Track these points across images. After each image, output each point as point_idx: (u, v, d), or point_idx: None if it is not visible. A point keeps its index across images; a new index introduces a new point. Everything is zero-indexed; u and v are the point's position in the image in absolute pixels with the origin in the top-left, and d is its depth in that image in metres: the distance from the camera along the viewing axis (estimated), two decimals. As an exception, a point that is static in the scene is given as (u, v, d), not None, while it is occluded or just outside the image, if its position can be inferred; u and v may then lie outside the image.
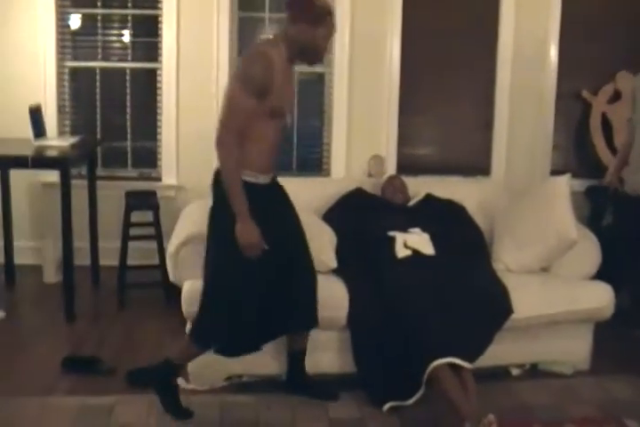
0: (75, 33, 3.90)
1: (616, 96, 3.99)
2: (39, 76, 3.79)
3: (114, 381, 2.51)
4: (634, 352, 2.88)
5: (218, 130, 2.05)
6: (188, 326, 2.34)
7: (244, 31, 3.97)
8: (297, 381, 2.41)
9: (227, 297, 2.12)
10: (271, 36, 2.16)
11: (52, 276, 3.61)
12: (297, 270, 2.23)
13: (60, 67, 3.85)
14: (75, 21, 3.90)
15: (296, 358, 2.39)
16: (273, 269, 2.13)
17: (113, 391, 2.42)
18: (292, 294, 2.21)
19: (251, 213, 2.02)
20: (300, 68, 4.01)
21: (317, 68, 4.03)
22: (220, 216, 2.12)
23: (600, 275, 2.77)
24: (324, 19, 2.07)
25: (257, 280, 2.10)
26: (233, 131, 2.02)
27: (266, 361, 2.40)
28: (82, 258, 3.47)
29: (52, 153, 3.20)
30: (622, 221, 3.12)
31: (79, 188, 3.41)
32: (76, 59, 3.90)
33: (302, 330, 2.33)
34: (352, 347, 2.41)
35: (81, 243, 3.44)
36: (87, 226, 3.57)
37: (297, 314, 2.24)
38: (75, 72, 3.92)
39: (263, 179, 2.15)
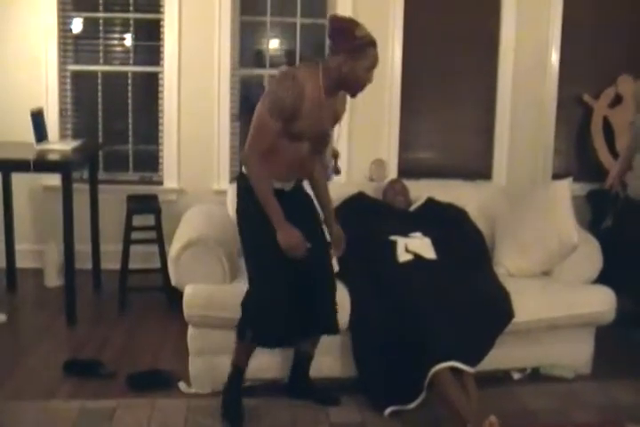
0: (77, 37, 3.90)
1: (617, 100, 3.99)
2: (41, 79, 3.80)
3: (115, 384, 2.51)
4: (636, 356, 2.87)
5: (246, 149, 2.10)
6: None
7: (245, 35, 3.98)
8: (300, 385, 2.41)
9: (258, 293, 2.18)
10: (312, 62, 2.14)
11: (53, 279, 3.61)
12: (317, 275, 2.24)
13: (61, 70, 3.85)
14: (77, 25, 3.91)
15: (302, 362, 2.39)
16: (292, 272, 2.15)
17: (114, 395, 2.42)
18: (312, 299, 2.22)
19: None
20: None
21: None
22: (245, 220, 2.19)
23: (601, 279, 2.76)
24: (365, 50, 2.03)
25: (282, 279, 2.14)
26: (259, 151, 2.06)
27: (267, 365, 2.40)
28: (83, 262, 3.47)
29: (53, 157, 3.20)
30: (624, 225, 3.11)
31: (81, 191, 3.41)
32: (77, 62, 3.90)
33: (321, 335, 2.34)
34: (353, 351, 2.41)
35: (82, 246, 3.44)
36: (89, 230, 3.57)
37: (317, 319, 2.25)
38: (76, 76, 3.92)
39: (283, 185, 2.17)
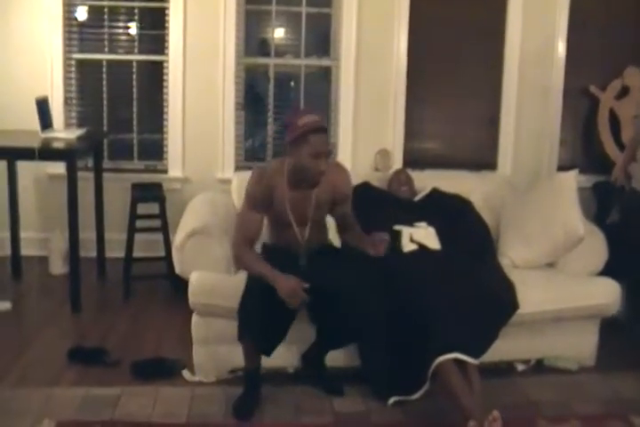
0: (81, 25, 3.86)
1: (624, 92, 3.94)
2: (46, 68, 3.77)
3: (119, 372, 2.50)
4: (640, 349, 2.86)
5: (230, 243, 2.33)
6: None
7: (250, 24, 3.93)
8: (312, 368, 2.41)
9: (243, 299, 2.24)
10: (282, 157, 2.30)
11: (58, 267, 3.60)
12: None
13: (66, 59, 3.82)
14: (81, 13, 3.87)
15: (320, 347, 2.38)
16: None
17: (118, 383, 2.41)
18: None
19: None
20: (307, 61, 3.99)
21: (323, 62, 3.99)
22: None
23: (606, 271, 2.73)
24: (306, 137, 2.08)
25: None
26: (240, 244, 2.23)
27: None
28: (88, 250, 3.46)
29: (58, 145, 3.18)
30: (629, 217, 3.07)
31: (85, 180, 3.39)
32: (82, 51, 3.86)
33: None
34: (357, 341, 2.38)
35: (87, 234, 3.43)
36: (93, 218, 3.56)
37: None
38: (81, 64, 3.88)
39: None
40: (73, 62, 3.85)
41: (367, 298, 2.30)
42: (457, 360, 2.19)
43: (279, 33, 4.04)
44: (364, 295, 2.29)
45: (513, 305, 2.46)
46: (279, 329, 2.23)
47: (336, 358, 2.42)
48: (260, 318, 2.14)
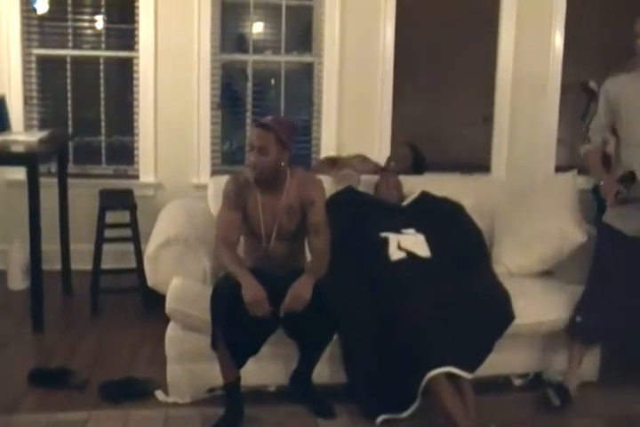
0: (42, 18, 3.87)
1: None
2: (2, 64, 3.76)
3: (86, 395, 2.49)
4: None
5: (213, 248, 2.44)
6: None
7: (227, 18, 3.97)
8: (299, 386, 2.44)
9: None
10: None
11: (18, 282, 3.58)
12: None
13: (25, 55, 3.82)
14: (42, 5, 3.87)
15: (305, 363, 2.42)
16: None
17: (85, 406, 2.41)
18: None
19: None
20: (287, 57, 4.03)
21: (305, 58, 4.04)
22: None
23: None
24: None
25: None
26: (220, 245, 2.36)
27: (250, 372, 2.40)
28: (51, 262, 3.46)
29: (17, 148, 3.18)
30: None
31: (49, 186, 3.39)
32: (43, 46, 3.87)
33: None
34: (343, 355, 2.41)
35: (50, 246, 3.42)
36: (57, 227, 3.55)
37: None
38: (43, 61, 3.89)
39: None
40: (33, 58, 3.86)
41: (353, 310, 2.34)
42: (450, 375, 2.23)
43: (258, 27, 4.09)
44: (349, 308, 2.33)
45: (508, 316, 2.50)
46: (251, 332, 2.26)
47: (321, 373, 2.45)
48: (228, 317, 2.20)
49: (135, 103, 3.89)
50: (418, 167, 3.54)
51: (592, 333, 2.51)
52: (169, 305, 2.40)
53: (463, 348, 2.31)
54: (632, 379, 2.70)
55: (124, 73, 3.93)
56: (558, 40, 4.02)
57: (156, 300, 2.52)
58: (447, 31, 3.99)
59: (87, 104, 3.97)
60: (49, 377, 2.58)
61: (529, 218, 2.85)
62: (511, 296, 2.55)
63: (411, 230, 2.72)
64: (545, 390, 2.50)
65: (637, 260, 2.45)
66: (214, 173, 3.90)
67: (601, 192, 2.45)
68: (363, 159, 3.55)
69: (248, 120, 4.03)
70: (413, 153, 3.57)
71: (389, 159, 3.56)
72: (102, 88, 3.93)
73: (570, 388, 2.53)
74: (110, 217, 3.34)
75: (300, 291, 2.24)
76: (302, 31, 4.08)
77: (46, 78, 3.93)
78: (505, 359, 2.54)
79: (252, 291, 2.20)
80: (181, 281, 2.45)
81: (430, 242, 2.66)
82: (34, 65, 3.87)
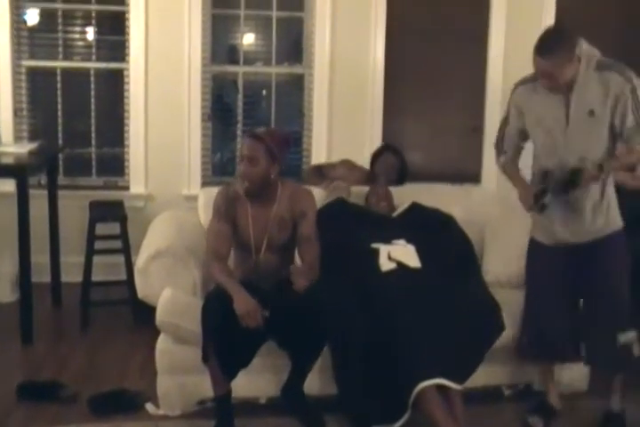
0: (32, 30, 3.90)
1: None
2: (-8, 76, 3.79)
3: (76, 408, 2.50)
4: (634, 372, 2.95)
5: (204, 259, 2.49)
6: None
7: (217, 29, 4.02)
8: (291, 397, 2.46)
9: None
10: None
11: (7, 294, 3.59)
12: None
13: (15, 66, 3.85)
14: (32, 17, 3.91)
15: (297, 374, 2.44)
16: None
17: (75, 420, 2.41)
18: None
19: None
20: (278, 69, 4.09)
21: (296, 69, 4.09)
22: None
23: None
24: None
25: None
26: (211, 257, 2.40)
27: (241, 383, 2.42)
28: (41, 274, 3.46)
29: (7, 160, 3.20)
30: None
31: (38, 198, 3.41)
32: (33, 58, 3.91)
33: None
34: (333, 367, 2.43)
35: (40, 258, 3.43)
36: (47, 239, 3.57)
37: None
38: (33, 72, 3.92)
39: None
40: (23, 70, 3.89)
41: (343, 321, 2.36)
42: (439, 386, 2.26)
43: (248, 39, 4.13)
44: (340, 318, 2.36)
45: (498, 326, 2.54)
46: (242, 344, 2.29)
47: (311, 385, 2.47)
48: (219, 330, 2.22)
49: (126, 115, 3.93)
50: (402, 174, 3.55)
51: (535, 350, 2.48)
52: (159, 317, 2.42)
53: (453, 359, 2.34)
54: (623, 387, 2.73)
55: (114, 84, 3.97)
56: (547, 52, 4.09)
57: (146, 312, 2.54)
58: (437, 43, 4.05)
59: (77, 116, 3.99)
60: (37, 390, 2.58)
61: (519, 228, 2.89)
62: (501, 307, 2.59)
63: (401, 241, 2.75)
64: (525, 418, 2.48)
65: (561, 269, 2.41)
66: (205, 184, 3.93)
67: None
68: (349, 167, 3.55)
69: (239, 132, 4.08)
70: (399, 160, 3.58)
71: (374, 173, 3.54)
72: (93, 99, 3.96)
73: (552, 402, 2.54)
74: (100, 229, 3.36)
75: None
76: (293, 43, 4.13)
77: (36, 90, 3.95)
78: (495, 370, 2.57)
79: (243, 303, 2.23)
80: (172, 293, 2.48)
81: (421, 253, 2.70)
82: (24, 76, 3.90)
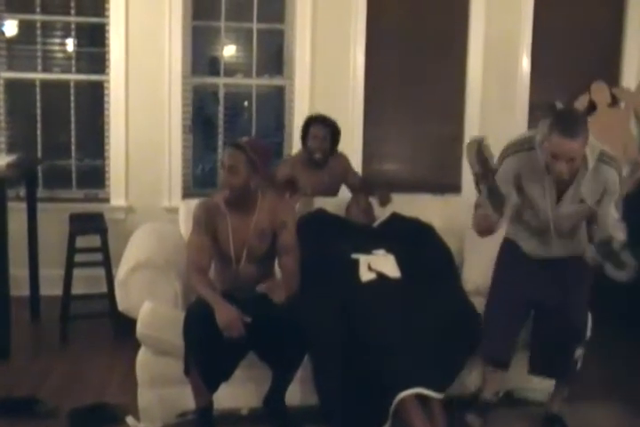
0: (10, 41, 3.92)
1: (591, 107, 4.19)
2: (-30, 88, 3.81)
3: (54, 423, 2.50)
4: (615, 378, 3.01)
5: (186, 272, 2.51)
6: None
7: (198, 41, 4.06)
8: (272, 407, 2.48)
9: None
10: None
11: (-15, 308, 3.58)
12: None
13: (-7, 78, 3.87)
14: (10, 28, 3.93)
15: (278, 384, 2.46)
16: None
17: (54, 435, 2.42)
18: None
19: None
20: (258, 81, 4.14)
21: (276, 81, 4.15)
22: None
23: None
24: None
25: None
26: (191, 269, 2.43)
27: (223, 394, 2.44)
28: (20, 288, 3.46)
29: (-15, 173, 3.21)
30: None
31: (17, 211, 3.42)
32: (12, 69, 3.92)
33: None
34: (314, 377, 2.46)
35: (19, 271, 3.44)
36: (26, 252, 3.57)
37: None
38: (11, 84, 3.94)
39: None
40: (1, 82, 3.91)
41: (323, 331, 2.40)
42: (420, 395, 2.30)
43: (229, 50, 4.19)
44: (320, 329, 2.40)
45: (478, 335, 2.58)
46: (224, 357, 2.32)
47: (292, 395, 2.49)
48: (201, 342, 2.25)
49: (106, 126, 3.95)
50: (334, 140, 3.37)
51: (499, 355, 2.52)
52: (139, 330, 2.44)
53: (433, 368, 2.38)
54: (602, 394, 2.80)
55: (94, 96, 3.99)
56: (525, 62, 4.19)
57: (127, 325, 2.56)
58: (417, 53, 4.13)
59: (57, 128, 4.01)
60: (15, 406, 2.57)
61: (498, 238, 2.95)
62: (480, 315, 2.64)
63: (381, 251, 2.80)
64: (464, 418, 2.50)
65: (533, 275, 2.51)
66: (186, 196, 3.95)
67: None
68: (285, 164, 3.42)
69: (220, 143, 4.11)
70: (328, 128, 3.33)
71: (308, 151, 3.34)
72: (73, 111, 3.98)
73: (487, 396, 2.56)
74: (81, 241, 3.38)
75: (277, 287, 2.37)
76: (273, 54, 4.19)
77: (15, 102, 3.97)
78: (476, 378, 2.61)
79: (225, 314, 2.26)
80: (152, 306, 2.50)
81: (400, 262, 2.75)
82: (2, 88, 3.91)
